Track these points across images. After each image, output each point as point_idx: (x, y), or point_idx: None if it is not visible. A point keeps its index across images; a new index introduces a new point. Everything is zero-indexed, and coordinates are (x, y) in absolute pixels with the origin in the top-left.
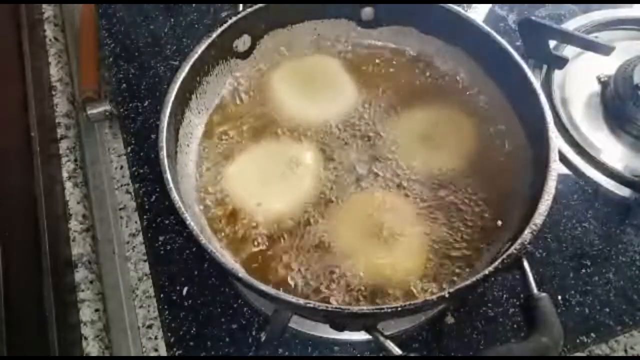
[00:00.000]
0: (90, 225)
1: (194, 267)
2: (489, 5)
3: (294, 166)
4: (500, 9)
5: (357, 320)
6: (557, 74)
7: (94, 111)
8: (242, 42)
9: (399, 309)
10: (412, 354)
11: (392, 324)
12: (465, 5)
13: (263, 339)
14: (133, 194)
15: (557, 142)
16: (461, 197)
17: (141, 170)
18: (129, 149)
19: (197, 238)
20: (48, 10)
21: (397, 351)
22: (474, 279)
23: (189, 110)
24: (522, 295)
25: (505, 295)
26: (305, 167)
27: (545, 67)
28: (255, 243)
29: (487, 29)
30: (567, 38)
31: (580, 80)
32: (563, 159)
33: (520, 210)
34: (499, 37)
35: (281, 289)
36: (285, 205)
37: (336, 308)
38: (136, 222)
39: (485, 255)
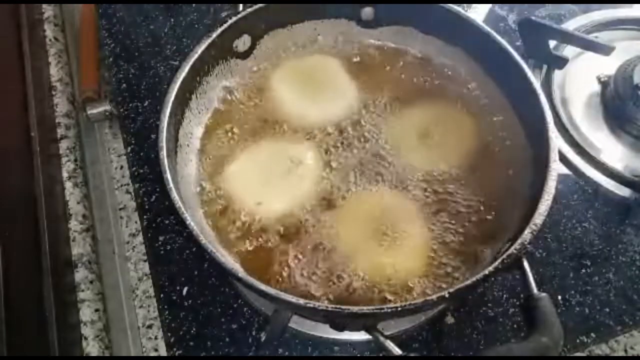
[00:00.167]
0: (90, 225)
1: (194, 267)
2: (489, 5)
3: (295, 166)
4: (500, 9)
5: (357, 320)
6: (557, 74)
7: (94, 111)
8: (242, 42)
9: (399, 309)
10: (412, 354)
11: (392, 324)
12: (465, 5)
13: (263, 339)
14: (133, 194)
15: (557, 142)
16: (461, 197)
17: (141, 170)
18: (129, 149)
19: (197, 238)
20: (48, 10)
21: (397, 351)
22: (474, 279)
23: (189, 110)
24: (522, 295)
25: (505, 295)
26: (305, 167)
27: (545, 67)
28: (256, 243)
29: (487, 29)
30: (567, 38)
31: (580, 80)
32: (563, 159)
33: (520, 210)
34: (499, 37)
35: (282, 289)
36: (286, 205)
37: (336, 308)
38: (136, 222)
39: (485, 255)
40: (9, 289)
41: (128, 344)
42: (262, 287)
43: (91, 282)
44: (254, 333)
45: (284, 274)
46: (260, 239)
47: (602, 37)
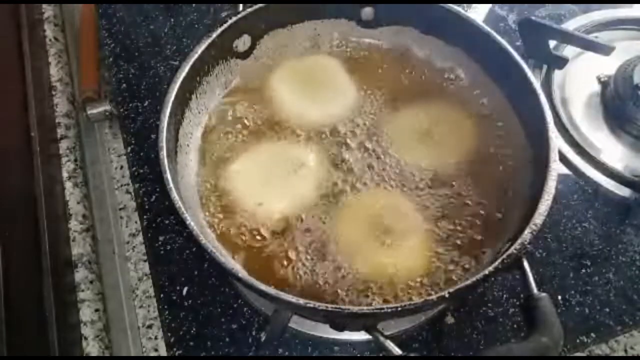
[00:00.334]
0: (90, 225)
1: (194, 267)
2: (489, 5)
3: (295, 166)
4: (500, 9)
5: (357, 320)
6: (557, 74)
7: (94, 111)
8: (242, 42)
9: (399, 309)
10: (412, 354)
11: (392, 324)
12: (465, 5)
13: (263, 339)
14: (133, 194)
15: (557, 142)
16: (461, 197)
17: (141, 170)
18: (129, 149)
19: (197, 238)
20: (48, 10)
21: (397, 351)
22: (474, 279)
23: (189, 110)
24: (522, 295)
25: (505, 295)
26: (306, 167)
27: (545, 67)
28: (256, 243)
29: (487, 29)
30: (567, 38)
31: (580, 80)
32: (563, 159)
33: (520, 210)
34: (499, 37)
35: (282, 289)
36: (287, 205)
37: (336, 308)
38: (136, 222)
39: (485, 255)
40: (9, 289)
41: (128, 344)
42: (262, 287)
43: (91, 282)
44: (254, 333)
45: (285, 274)
46: (260, 239)
47: (602, 37)
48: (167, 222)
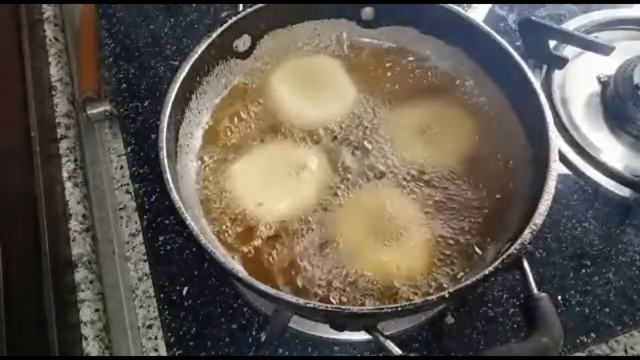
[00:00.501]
0: (90, 225)
1: (194, 267)
2: (489, 5)
3: (295, 166)
4: (500, 9)
5: (357, 320)
6: (557, 74)
7: (94, 111)
8: (242, 42)
9: (399, 309)
10: (412, 354)
11: (392, 324)
12: (465, 5)
13: (263, 339)
14: (133, 194)
15: (557, 142)
16: (461, 197)
17: (141, 170)
18: (129, 149)
19: (197, 238)
20: (48, 10)
21: (397, 351)
22: (474, 279)
23: (189, 110)
24: (522, 295)
25: (505, 295)
26: (306, 167)
27: (545, 67)
28: (257, 243)
29: (487, 29)
30: (567, 38)
31: (580, 80)
32: (563, 159)
33: (520, 210)
34: (499, 37)
35: (282, 289)
36: (288, 205)
37: (336, 308)
38: (136, 222)
39: (485, 255)
40: (9, 289)
41: (128, 344)
42: (262, 287)
43: (91, 282)
44: (254, 333)
45: (285, 273)
46: (261, 239)
47: (602, 37)
48: (167, 222)
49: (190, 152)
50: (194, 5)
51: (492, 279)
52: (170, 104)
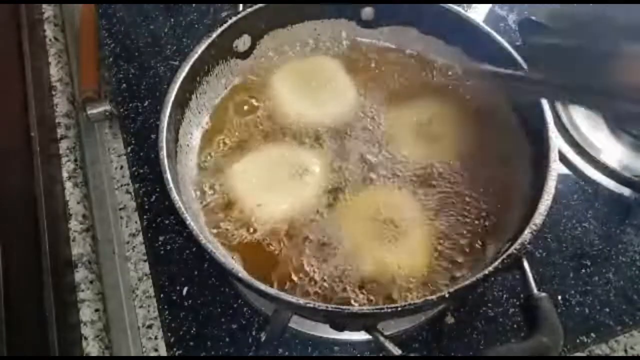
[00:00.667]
0: (90, 225)
1: (194, 267)
2: (489, 5)
3: (295, 166)
4: (500, 9)
5: (357, 320)
6: None
7: (94, 111)
8: (242, 42)
9: (399, 309)
10: (412, 354)
11: (392, 324)
12: (465, 5)
13: (263, 339)
14: (133, 194)
15: (557, 142)
16: (461, 197)
17: (141, 170)
18: (129, 149)
19: (197, 238)
20: (48, 10)
21: (397, 351)
22: (474, 279)
23: (189, 110)
24: (522, 295)
25: (505, 295)
26: (306, 167)
27: None
28: (257, 243)
29: (487, 29)
30: None
31: None
32: (563, 159)
33: (520, 210)
34: (499, 37)
35: (282, 288)
36: (288, 205)
37: (336, 308)
38: (136, 222)
39: (485, 255)
40: (9, 289)
41: (128, 344)
42: (262, 287)
43: (91, 282)
44: (254, 333)
45: (285, 273)
46: (261, 239)
47: None
48: (167, 222)
49: (190, 152)
50: (194, 5)
51: (492, 279)
52: (170, 104)
